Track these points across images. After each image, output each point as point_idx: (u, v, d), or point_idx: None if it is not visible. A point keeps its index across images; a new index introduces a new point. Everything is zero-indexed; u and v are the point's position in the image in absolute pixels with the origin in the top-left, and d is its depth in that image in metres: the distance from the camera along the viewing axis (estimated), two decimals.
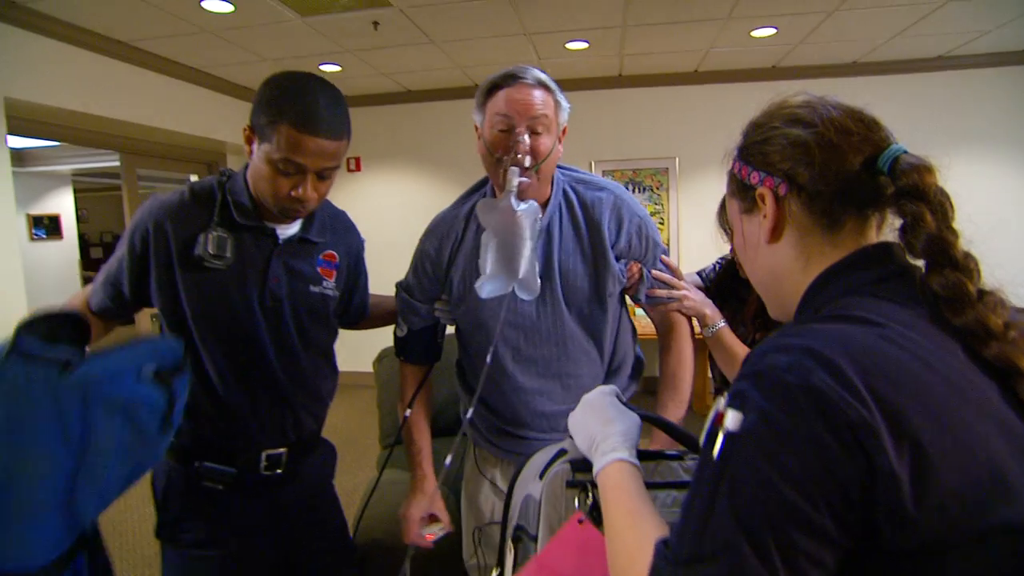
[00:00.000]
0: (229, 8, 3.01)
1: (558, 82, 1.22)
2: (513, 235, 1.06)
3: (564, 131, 1.22)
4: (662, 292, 1.28)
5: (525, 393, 1.23)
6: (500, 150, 1.14)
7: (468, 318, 1.27)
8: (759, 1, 3.19)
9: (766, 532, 0.46)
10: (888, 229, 0.65)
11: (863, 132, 0.63)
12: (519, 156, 1.10)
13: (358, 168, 5.12)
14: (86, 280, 7.57)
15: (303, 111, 1.02)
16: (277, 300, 1.18)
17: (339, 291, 1.30)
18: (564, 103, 1.20)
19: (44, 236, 6.32)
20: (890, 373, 0.49)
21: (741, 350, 1.28)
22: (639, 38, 3.78)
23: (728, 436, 0.50)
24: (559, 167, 1.26)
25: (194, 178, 4.88)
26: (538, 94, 1.14)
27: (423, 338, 1.34)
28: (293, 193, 1.08)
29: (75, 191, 6.76)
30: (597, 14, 3.33)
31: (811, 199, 0.64)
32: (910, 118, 4.48)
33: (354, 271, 1.36)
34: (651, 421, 0.84)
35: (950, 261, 0.56)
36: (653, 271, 1.28)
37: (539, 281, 1.10)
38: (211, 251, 1.11)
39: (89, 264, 8.79)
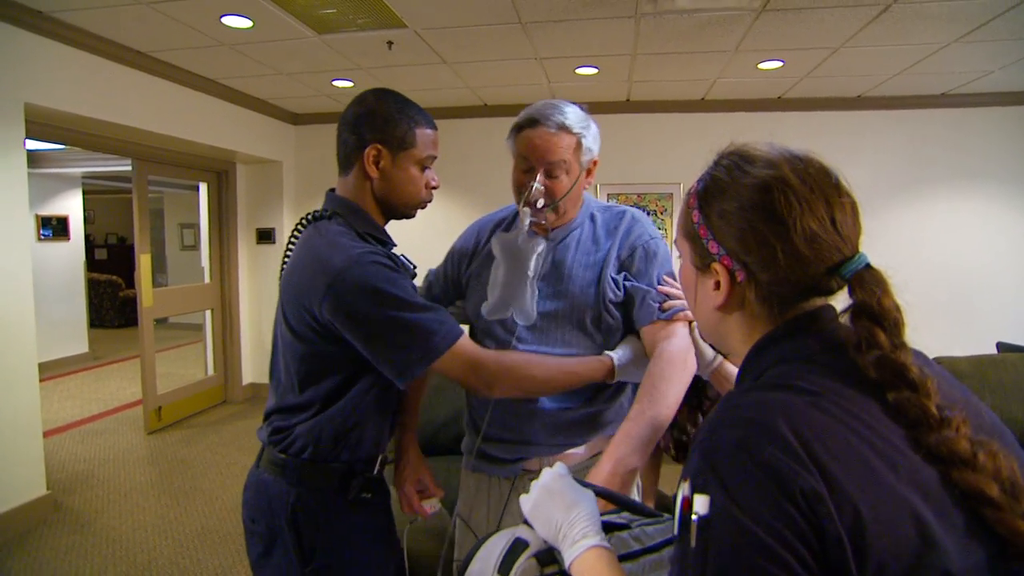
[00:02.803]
0: (248, 24, 3.08)
1: None
2: (518, 268, 1.22)
3: (595, 163, 1.28)
4: (670, 304, 1.24)
5: (532, 402, 1.26)
6: (522, 188, 1.24)
7: (480, 324, 1.34)
8: (766, 35, 3.26)
9: None
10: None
11: (834, 242, 0.61)
12: (531, 199, 1.20)
13: None
14: (90, 282, 7.61)
15: (424, 114, 1.19)
16: None
17: None
18: (589, 139, 1.24)
19: (51, 236, 6.36)
20: (827, 441, 0.52)
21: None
22: (648, 66, 3.85)
23: (702, 521, 0.52)
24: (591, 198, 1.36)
25: (203, 186, 4.95)
26: (557, 139, 1.20)
27: None
28: (433, 183, 1.23)
29: (84, 193, 6.81)
30: (608, 41, 3.40)
31: (766, 295, 0.64)
32: (911, 153, 4.54)
33: None
34: (605, 496, 0.82)
35: (906, 383, 0.56)
36: (660, 286, 1.25)
37: (535, 311, 1.23)
38: (413, 271, 1.24)
39: (93, 265, 8.84)
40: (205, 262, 5.06)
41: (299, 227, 1.23)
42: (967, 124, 4.46)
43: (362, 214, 1.18)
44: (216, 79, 4.14)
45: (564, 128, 1.20)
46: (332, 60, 3.72)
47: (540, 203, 1.21)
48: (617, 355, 1.22)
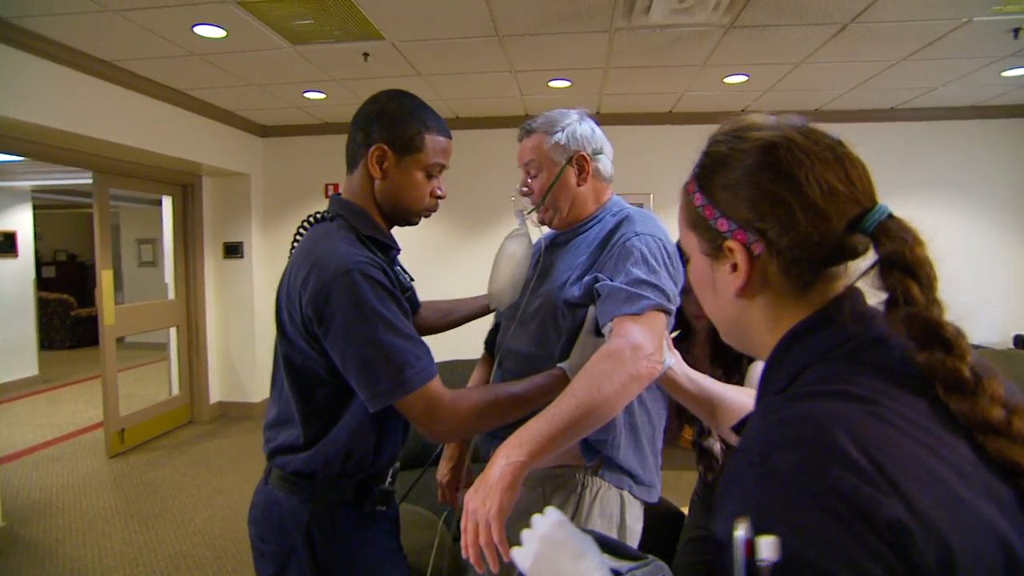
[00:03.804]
0: (221, 34, 3.03)
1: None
2: (501, 256, 1.28)
3: (583, 159, 1.26)
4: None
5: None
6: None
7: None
8: (733, 51, 3.39)
9: None
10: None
11: (848, 191, 0.57)
12: (512, 199, 1.33)
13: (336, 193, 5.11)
14: (41, 301, 7.24)
15: (438, 120, 1.17)
16: None
17: None
18: (562, 135, 1.25)
19: None
20: (898, 459, 0.46)
21: (697, 389, 1.04)
22: (619, 79, 3.95)
23: (777, 569, 0.44)
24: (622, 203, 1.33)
25: (168, 200, 4.81)
26: (526, 142, 1.30)
27: (495, 334, 1.47)
28: (439, 192, 1.20)
29: (34, 208, 6.51)
30: (582, 55, 3.48)
31: (788, 264, 0.59)
32: (865, 163, 4.78)
33: None
34: (602, 540, 0.75)
35: (941, 343, 0.51)
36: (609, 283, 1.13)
37: (510, 297, 1.27)
38: (405, 284, 1.21)
39: (41, 284, 8.43)
40: (169, 278, 4.89)
41: (301, 229, 1.21)
42: (913, 136, 4.73)
43: (365, 216, 1.15)
44: (183, 90, 4.05)
45: (530, 131, 1.29)
46: (305, 71, 3.68)
47: (520, 203, 1.30)
48: (567, 364, 1.16)
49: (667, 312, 1.09)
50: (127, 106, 3.69)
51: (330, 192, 5.11)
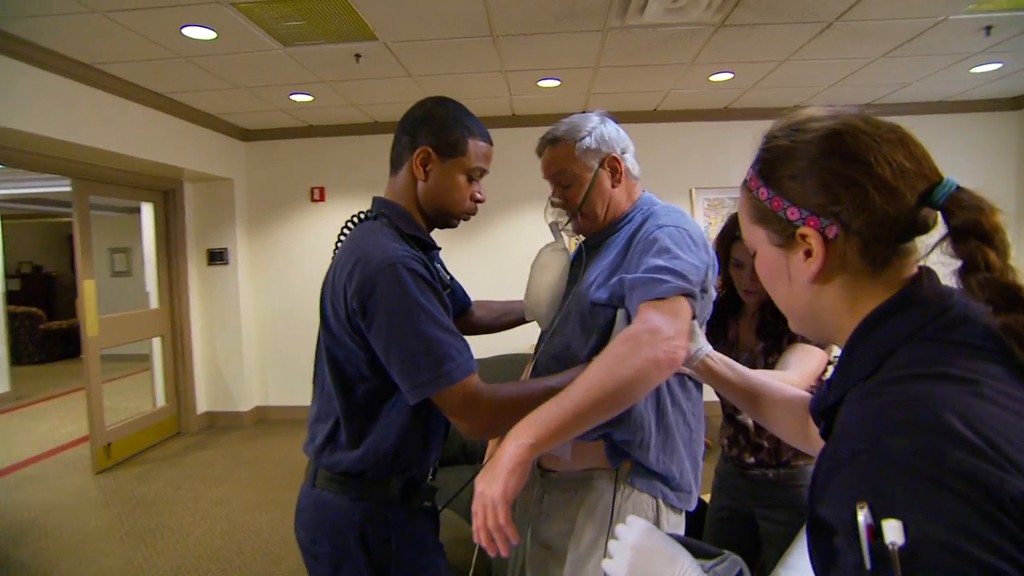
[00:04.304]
0: (211, 35, 2.97)
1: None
2: (538, 268, 1.29)
3: (615, 160, 1.23)
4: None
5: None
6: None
7: None
8: (721, 49, 3.46)
9: None
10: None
11: (916, 168, 0.59)
12: (547, 216, 1.32)
13: (322, 198, 5.05)
14: (8, 315, 6.95)
15: (481, 126, 1.20)
16: None
17: None
18: (589, 140, 1.22)
19: None
20: (1009, 436, 0.47)
21: (738, 377, 1.01)
22: (608, 78, 3.99)
23: (905, 552, 0.45)
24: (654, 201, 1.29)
25: (148, 206, 4.69)
26: (552, 152, 1.26)
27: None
28: (479, 196, 1.22)
29: (1, 219, 6.27)
30: (574, 55, 3.50)
31: (865, 243, 0.60)
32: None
33: None
34: (677, 538, 0.78)
35: (1021, 304, 0.53)
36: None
37: (547, 311, 1.27)
38: (448, 281, 1.24)
39: (8, 297, 8.10)
40: (151, 286, 4.77)
41: (346, 228, 1.23)
42: None
43: (406, 215, 1.18)
44: (166, 93, 3.95)
45: (555, 140, 1.25)
46: (294, 73, 3.63)
47: (562, 217, 1.27)
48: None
49: (690, 296, 1.03)
50: (108, 110, 3.58)
51: (315, 196, 5.05)
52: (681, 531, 1.23)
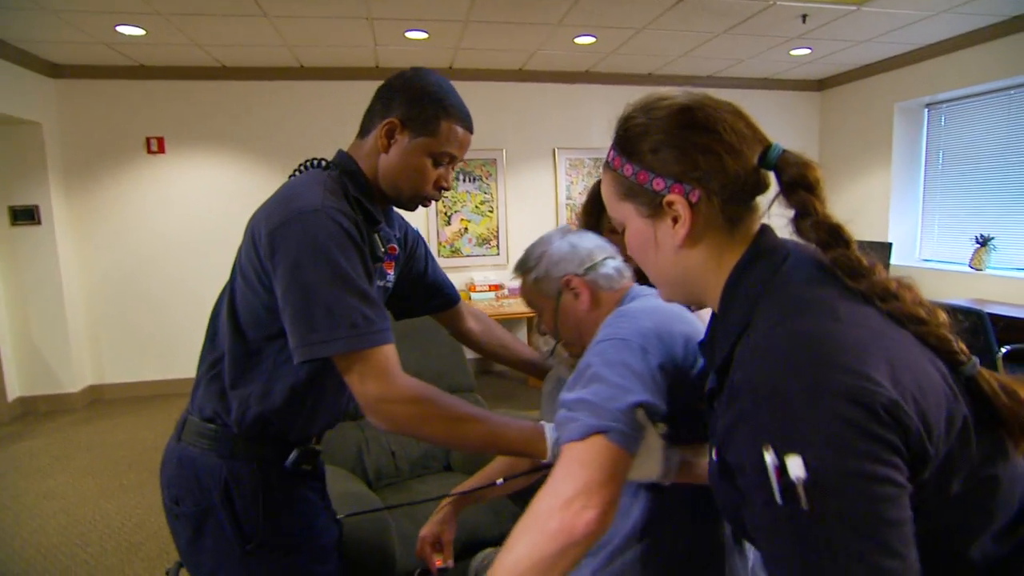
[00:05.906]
0: None
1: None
2: (545, 396, 1.31)
3: (568, 282, 1.15)
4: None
5: None
6: None
7: None
8: (586, 12, 3.59)
9: (888, 530, 0.50)
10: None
11: (753, 134, 0.68)
12: (541, 342, 1.31)
13: (161, 150, 4.46)
14: None
15: (463, 110, 1.11)
16: None
17: (391, 284, 1.24)
18: (539, 269, 1.17)
19: None
20: (871, 347, 0.55)
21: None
22: (477, 34, 3.96)
23: (808, 483, 0.51)
24: None
25: None
26: (520, 286, 1.25)
27: None
28: (443, 183, 1.13)
29: None
30: (444, 7, 3.42)
31: (723, 203, 0.68)
32: None
33: (406, 262, 1.33)
34: None
35: (842, 241, 0.63)
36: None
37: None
38: (380, 254, 1.11)
39: None
40: None
41: (296, 172, 1.13)
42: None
43: (361, 178, 1.10)
44: None
45: (518, 273, 1.22)
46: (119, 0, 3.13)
47: (551, 343, 1.24)
48: (552, 428, 1.01)
49: (605, 432, 0.82)
50: None
51: (153, 147, 4.45)
52: None
